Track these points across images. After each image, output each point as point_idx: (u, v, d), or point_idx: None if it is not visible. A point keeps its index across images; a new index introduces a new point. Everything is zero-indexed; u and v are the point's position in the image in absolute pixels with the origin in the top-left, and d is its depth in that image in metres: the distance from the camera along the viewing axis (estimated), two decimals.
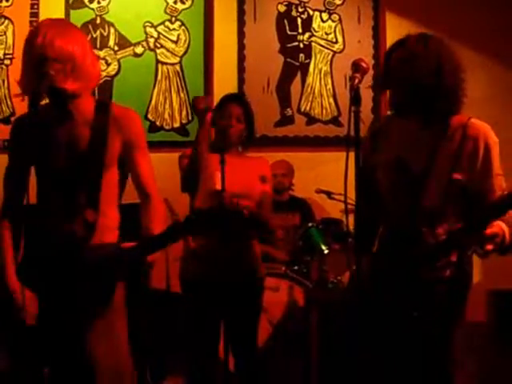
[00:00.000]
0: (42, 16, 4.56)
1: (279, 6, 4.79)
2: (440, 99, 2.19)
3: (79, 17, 4.53)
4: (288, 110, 4.75)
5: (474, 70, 4.71)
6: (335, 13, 4.80)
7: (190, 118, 4.67)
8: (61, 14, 4.61)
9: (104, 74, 4.61)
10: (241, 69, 4.74)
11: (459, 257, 2.22)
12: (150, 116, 4.68)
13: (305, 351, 3.60)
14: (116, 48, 4.70)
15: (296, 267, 3.97)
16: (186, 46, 4.74)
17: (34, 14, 4.65)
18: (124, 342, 2.22)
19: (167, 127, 4.69)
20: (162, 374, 3.71)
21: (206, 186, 2.92)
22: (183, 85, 4.72)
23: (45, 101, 2.20)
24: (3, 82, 4.64)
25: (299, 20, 4.80)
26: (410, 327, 2.21)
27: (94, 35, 4.64)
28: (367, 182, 2.31)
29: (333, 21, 4.80)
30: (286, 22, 4.79)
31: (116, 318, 2.19)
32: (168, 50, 4.73)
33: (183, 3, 4.75)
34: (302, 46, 4.79)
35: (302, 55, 4.78)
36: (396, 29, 4.75)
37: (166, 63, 4.73)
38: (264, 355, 3.69)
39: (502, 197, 2.04)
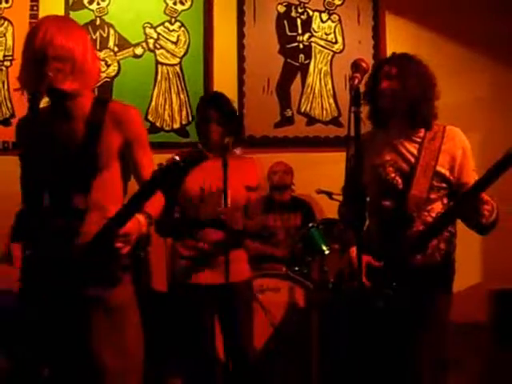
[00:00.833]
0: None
1: (279, 7, 4.79)
2: (423, 105, 2.48)
3: (79, 18, 4.51)
4: (288, 110, 4.75)
5: (474, 72, 4.75)
6: (335, 13, 4.80)
7: (190, 119, 4.67)
8: None
9: (104, 75, 4.61)
10: (241, 69, 4.74)
11: (447, 244, 2.49)
12: (149, 117, 4.67)
13: (305, 352, 3.60)
14: (116, 49, 4.70)
15: (297, 268, 3.97)
16: (185, 46, 4.74)
17: (34, 16, 4.65)
18: (133, 340, 2.18)
19: (167, 128, 4.69)
20: (162, 375, 3.72)
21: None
22: (183, 86, 4.71)
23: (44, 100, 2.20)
24: (3, 83, 4.64)
25: (299, 20, 4.80)
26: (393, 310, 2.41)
27: (94, 36, 4.64)
28: (354, 185, 2.40)
29: (332, 21, 4.80)
30: (285, 22, 4.79)
31: (122, 316, 2.16)
32: (168, 51, 4.73)
33: (183, 4, 4.75)
34: (301, 46, 4.78)
35: (301, 56, 4.78)
36: (396, 29, 4.76)
37: (166, 64, 4.73)
38: (265, 356, 3.69)
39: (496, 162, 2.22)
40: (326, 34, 4.80)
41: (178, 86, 4.71)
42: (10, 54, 4.66)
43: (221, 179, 2.91)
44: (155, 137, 4.59)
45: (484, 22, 4.68)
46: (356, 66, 2.16)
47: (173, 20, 4.74)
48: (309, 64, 4.78)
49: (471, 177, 2.47)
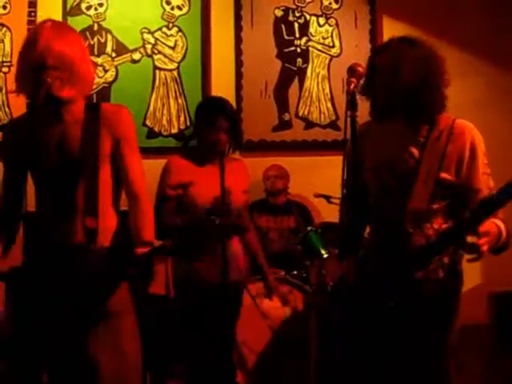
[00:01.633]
0: None
1: (276, 11, 4.80)
2: (425, 99, 2.18)
3: (77, 24, 4.52)
4: (286, 114, 4.76)
5: (471, 73, 4.76)
6: (332, 17, 4.81)
7: (187, 124, 4.67)
8: None
9: (102, 80, 4.62)
10: (238, 74, 4.75)
11: (451, 258, 2.24)
12: (147, 122, 4.68)
13: (304, 356, 3.59)
14: (113, 54, 4.71)
15: (295, 272, 3.97)
16: (183, 51, 4.74)
17: (32, 22, 4.65)
18: (130, 345, 2.20)
19: (165, 133, 4.69)
20: (163, 377, 3.71)
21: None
22: (181, 90, 4.72)
23: None
24: (1, 89, 4.64)
25: (296, 25, 4.81)
26: (393, 324, 2.19)
27: (92, 42, 4.64)
28: (353, 186, 2.31)
29: (330, 25, 4.81)
30: (283, 26, 4.80)
31: (120, 321, 2.17)
32: (165, 56, 4.74)
33: (180, 9, 4.76)
34: (299, 50, 4.79)
35: (299, 60, 4.79)
36: (393, 32, 4.65)
37: (164, 69, 4.73)
38: (264, 360, 3.69)
39: (491, 195, 2.00)
40: (324, 38, 4.81)
41: (175, 91, 4.72)
42: (8, 60, 4.66)
43: (232, 186, 2.99)
44: (153, 142, 4.59)
45: (481, 26, 4.70)
46: (352, 70, 2.16)
47: (170, 25, 4.75)
48: (306, 68, 4.78)
49: (482, 182, 2.19)
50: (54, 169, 2.15)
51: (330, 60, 4.79)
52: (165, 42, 4.74)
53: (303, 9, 4.81)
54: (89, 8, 4.71)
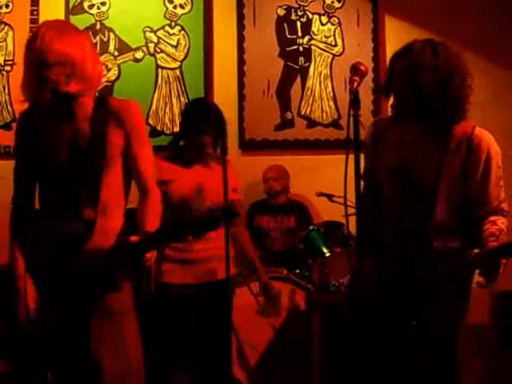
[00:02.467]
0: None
1: (278, 10, 4.79)
2: (444, 109, 2.19)
3: (79, 22, 4.52)
4: (288, 113, 4.75)
5: (475, 73, 4.73)
6: (334, 16, 4.80)
7: None
8: None
9: (104, 79, 4.62)
10: (241, 73, 4.74)
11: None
12: (150, 121, 4.68)
13: (307, 355, 3.60)
14: (116, 53, 4.71)
15: (297, 271, 3.97)
16: (185, 50, 4.74)
17: (34, 20, 4.66)
18: (132, 344, 2.20)
19: (168, 132, 4.70)
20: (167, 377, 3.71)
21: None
22: (183, 89, 4.72)
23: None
24: (4, 88, 4.65)
25: (299, 23, 4.80)
26: (410, 334, 2.23)
27: (94, 41, 4.64)
28: (371, 184, 2.37)
29: (332, 24, 4.80)
30: (285, 25, 4.80)
31: (122, 321, 2.18)
32: (168, 55, 4.74)
33: (183, 8, 4.76)
34: (301, 49, 4.79)
35: (301, 58, 4.78)
36: (395, 31, 4.76)
37: (166, 68, 4.74)
38: (266, 359, 3.69)
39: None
40: (326, 37, 4.80)
41: (178, 90, 4.72)
42: (11, 58, 4.67)
43: (213, 184, 3.03)
44: (156, 140, 4.59)
45: (483, 25, 4.69)
46: (355, 69, 2.16)
47: (173, 24, 4.75)
48: (309, 67, 4.78)
49: (493, 193, 2.23)
50: (64, 165, 2.16)
51: (333, 59, 4.78)
52: (167, 40, 4.74)
53: (306, 7, 4.81)
54: (91, 7, 4.71)
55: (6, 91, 4.64)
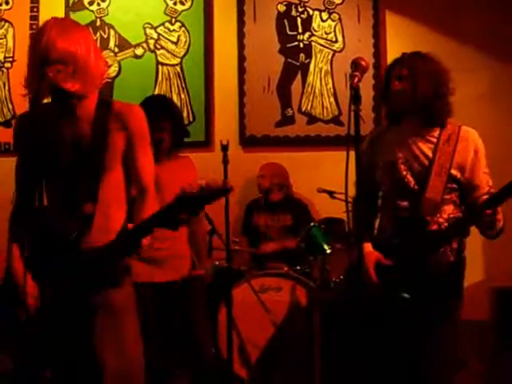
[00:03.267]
0: (42, 19, 4.56)
1: (279, 6, 4.79)
2: (436, 106, 2.48)
3: (79, 19, 4.46)
4: (289, 109, 4.75)
5: (474, 68, 4.74)
6: (335, 12, 4.79)
7: (190, 119, 4.67)
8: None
9: (104, 75, 4.61)
10: (241, 69, 4.74)
11: (459, 244, 2.51)
12: None
13: (308, 351, 3.60)
14: (116, 50, 4.71)
15: (298, 267, 3.97)
16: (186, 47, 4.74)
17: (34, 17, 4.66)
18: (133, 342, 2.20)
19: None
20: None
21: None
22: (184, 86, 4.72)
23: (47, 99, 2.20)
24: (4, 84, 4.65)
25: (299, 20, 4.79)
26: (404, 311, 2.44)
27: (94, 37, 4.64)
28: (367, 181, 2.57)
29: (332, 20, 4.80)
30: (285, 21, 4.79)
31: (123, 318, 2.18)
32: (168, 51, 4.73)
33: (183, 4, 4.75)
34: (302, 45, 4.78)
35: (302, 55, 4.77)
36: (396, 27, 4.76)
37: (167, 64, 4.73)
38: (267, 355, 3.69)
39: (495, 192, 2.32)
40: (326, 33, 4.80)
41: (178, 87, 4.71)
42: (11, 55, 4.67)
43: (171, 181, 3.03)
44: None
45: (484, 20, 4.68)
46: (355, 64, 2.17)
47: (173, 20, 4.75)
48: (309, 63, 4.77)
49: (482, 179, 2.50)
50: (65, 164, 2.16)
51: (333, 55, 4.77)
52: (167, 37, 4.73)
53: (306, 4, 4.80)
54: (91, 3, 4.71)
55: (6, 88, 4.64)
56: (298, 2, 4.79)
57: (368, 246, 2.55)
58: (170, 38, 4.74)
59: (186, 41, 4.74)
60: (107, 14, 4.70)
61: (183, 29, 4.74)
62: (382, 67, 4.53)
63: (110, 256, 2.08)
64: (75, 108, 2.18)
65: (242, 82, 4.73)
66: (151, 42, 4.73)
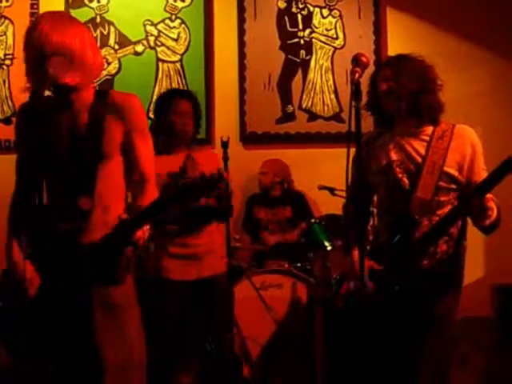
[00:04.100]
0: None
1: (279, 3, 4.78)
2: (424, 101, 2.44)
3: (79, 16, 4.50)
4: (289, 106, 4.74)
5: (476, 65, 4.73)
6: (335, 9, 4.78)
7: None
8: None
9: (104, 72, 4.61)
10: (241, 66, 4.73)
11: (455, 247, 2.47)
12: (151, 115, 4.65)
13: (309, 348, 3.60)
14: (116, 47, 4.70)
15: (299, 264, 3.97)
16: (186, 43, 4.73)
17: (34, 14, 4.64)
18: (134, 336, 2.20)
19: None
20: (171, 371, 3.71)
21: None
22: (184, 83, 4.71)
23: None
24: (4, 82, 4.64)
25: (299, 16, 4.79)
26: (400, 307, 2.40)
27: (94, 34, 4.63)
28: (359, 185, 2.53)
29: (333, 17, 4.79)
30: (286, 18, 4.78)
31: (125, 313, 2.17)
32: (168, 48, 4.73)
33: (183, 1, 4.74)
34: (302, 42, 4.77)
35: (302, 51, 4.77)
36: (396, 24, 4.75)
37: (167, 61, 4.72)
38: (268, 352, 3.69)
39: (496, 168, 2.23)
40: (327, 30, 4.79)
41: (178, 83, 4.70)
42: (11, 52, 4.66)
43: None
44: None
45: (485, 16, 4.68)
46: (356, 60, 2.16)
47: (173, 17, 4.74)
48: (310, 60, 4.77)
49: (481, 176, 2.42)
50: (64, 156, 2.15)
51: (334, 52, 4.77)
52: (168, 34, 4.72)
53: (306, 0, 4.79)
54: (91, 0, 4.70)
55: (6, 85, 4.63)
56: None
57: (356, 255, 2.48)
58: (170, 34, 4.73)
59: (186, 38, 4.73)
60: (107, 11, 4.69)
61: (183, 26, 4.73)
62: None
63: (106, 249, 2.06)
64: (73, 100, 2.17)
65: (242, 78, 4.73)
66: (151, 38, 4.72)
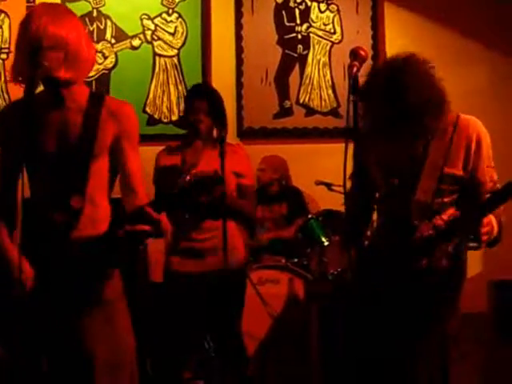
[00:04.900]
0: None
1: None
2: (428, 114, 2.16)
3: (76, 10, 4.37)
4: (287, 101, 4.73)
5: (474, 61, 4.73)
6: (333, 3, 4.77)
7: None
8: None
9: (101, 67, 4.59)
10: (239, 61, 4.72)
11: (455, 247, 2.28)
12: (148, 109, 4.65)
13: (305, 343, 3.59)
14: (113, 41, 4.68)
15: (296, 259, 3.96)
16: (183, 38, 4.71)
17: (31, 8, 4.62)
18: (124, 332, 2.19)
19: (165, 120, 4.67)
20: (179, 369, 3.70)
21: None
22: (181, 77, 4.70)
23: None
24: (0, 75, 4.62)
25: (297, 11, 4.77)
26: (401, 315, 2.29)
27: (91, 28, 4.62)
28: (361, 178, 2.38)
29: (331, 11, 4.77)
30: (283, 13, 4.77)
31: (114, 308, 2.17)
32: (165, 43, 4.71)
33: None
34: (300, 37, 4.76)
35: (300, 46, 4.76)
36: (394, 19, 4.75)
37: (164, 56, 4.71)
38: (264, 347, 3.69)
39: (496, 191, 2.12)
40: (325, 25, 4.77)
41: (175, 78, 4.69)
42: (7, 46, 4.64)
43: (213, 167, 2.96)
44: (153, 129, 4.57)
45: (483, 13, 4.68)
46: (354, 54, 2.14)
47: (170, 11, 4.72)
48: (307, 55, 4.75)
49: (486, 175, 2.25)
50: (52, 154, 2.14)
51: (331, 46, 4.76)
52: (165, 28, 4.70)
53: None
54: None
55: (2, 79, 4.61)
56: None
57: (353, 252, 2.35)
58: (167, 29, 4.71)
59: (183, 32, 4.71)
60: (104, 5, 4.67)
61: (180, 20, 4.72)
62: (380, 59, 4.52)
63: (101, 248, 2.06)
64: (65, 96, 2.16)
65: (239, 73, 4.72)
66: (148, 33, 4.70)
